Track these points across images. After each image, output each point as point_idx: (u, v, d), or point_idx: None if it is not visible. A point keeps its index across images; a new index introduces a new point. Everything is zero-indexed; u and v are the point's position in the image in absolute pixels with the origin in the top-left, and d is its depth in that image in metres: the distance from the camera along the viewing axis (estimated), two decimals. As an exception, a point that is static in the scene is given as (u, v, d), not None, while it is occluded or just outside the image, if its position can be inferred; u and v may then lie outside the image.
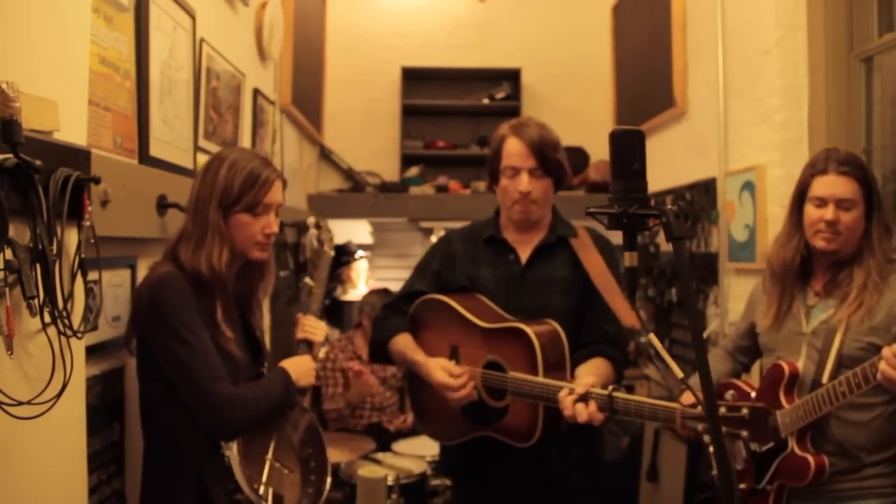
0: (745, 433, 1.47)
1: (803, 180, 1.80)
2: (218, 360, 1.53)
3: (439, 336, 2.01)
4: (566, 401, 1.66)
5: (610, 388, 1.63)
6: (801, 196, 1.81)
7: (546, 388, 1.73)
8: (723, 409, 1.49)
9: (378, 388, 3.62)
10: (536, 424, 1.77)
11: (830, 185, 1.71)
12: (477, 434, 1.92)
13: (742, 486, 1.80)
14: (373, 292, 3.98)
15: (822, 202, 1.73)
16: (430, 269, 2.09)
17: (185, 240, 1.59)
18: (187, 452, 1.54)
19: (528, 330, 1.79)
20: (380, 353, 2.07)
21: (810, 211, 1.76)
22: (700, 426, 1.52)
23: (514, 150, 1.90)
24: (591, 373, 1.78)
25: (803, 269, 1.82)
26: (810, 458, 1.66)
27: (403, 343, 1.99)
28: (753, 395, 1.82)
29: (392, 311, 2.11)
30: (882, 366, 1.48)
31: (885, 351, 1.49)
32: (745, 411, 1.46)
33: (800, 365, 1.74)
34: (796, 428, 1.68)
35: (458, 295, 2.00)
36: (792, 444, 1.69)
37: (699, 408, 1.36)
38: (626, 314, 1.82)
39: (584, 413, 1.64)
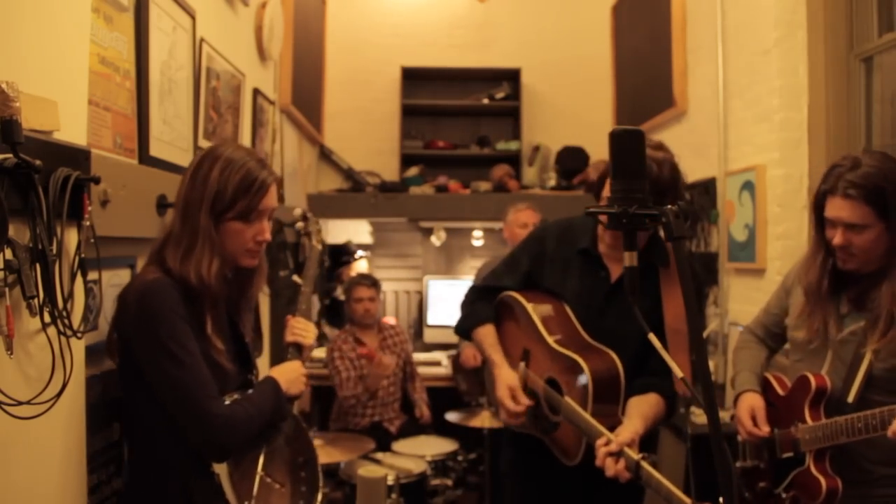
0: None
1: (818, 196, 1.69)
2: (210, 378, 1.45)
3: (517, 333, 2.09)
4: (600, 451, 1.69)
5: (640, 455, 1.63)
6: (819, 211, 1.70)
7: (590, 427, 1.75)
8: None
9: (393, 366, 3.73)
10: (579, 449, 1.82)
11: (837, 208, 1.61)
12: (531, 433, 2.02)
13: (762, 484, 1.82)
14: (356, 276, 4.14)
15: (832, 224, 1.65)
16: (520, 267, 2.14)
17: (172, 243, 1.50)
18: (174, 468, 1.46)
19: (585, 367, 1.82)
20: (464, 334, 2.21)
21: (827, 229, 1.69)
22: None
23: None
24: (640, 413, 1.79)
25: (840, 275, 1.72)
26: (822, 481, 1.63)
27: (485, 334, 2.12)
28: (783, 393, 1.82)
29: (480, 294, 2.21)
30: (895, 425, 1.45)
31: None
32: None
33: (823, 371, 1.71)
34: (814, 447, 1.66)
35: (541, 298, 2.05)
36: (809, 461, 1.67)
37: None
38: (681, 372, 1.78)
39: (612, 469, 1.66)
